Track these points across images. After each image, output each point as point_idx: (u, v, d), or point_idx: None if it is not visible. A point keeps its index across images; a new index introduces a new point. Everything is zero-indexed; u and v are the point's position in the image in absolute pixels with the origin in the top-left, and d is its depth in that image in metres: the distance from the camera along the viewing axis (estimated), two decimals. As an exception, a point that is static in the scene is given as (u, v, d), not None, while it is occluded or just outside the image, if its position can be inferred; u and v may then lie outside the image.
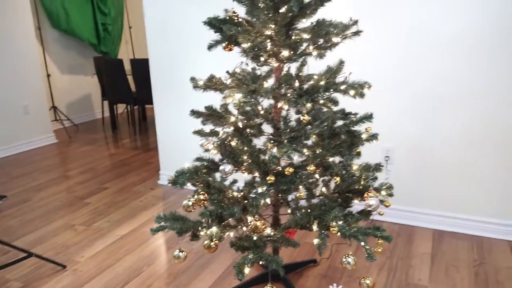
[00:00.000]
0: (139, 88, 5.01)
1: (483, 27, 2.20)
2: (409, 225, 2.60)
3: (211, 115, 1.88)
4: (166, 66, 3.21)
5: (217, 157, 1.84)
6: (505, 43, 2.18)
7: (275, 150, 1.51)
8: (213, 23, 1.69)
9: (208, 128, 1.91)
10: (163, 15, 3.08)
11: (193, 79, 1.81)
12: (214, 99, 2.79)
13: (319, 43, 1.56)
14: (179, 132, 3.28)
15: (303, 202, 1.94)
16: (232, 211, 1.56)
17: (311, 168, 1.52)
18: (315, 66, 1.96)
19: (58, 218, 2.87)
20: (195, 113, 1.91)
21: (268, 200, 1.52)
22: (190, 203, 1.73)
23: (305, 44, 1.56)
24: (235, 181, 2.00)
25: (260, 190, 1.55)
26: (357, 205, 1.78)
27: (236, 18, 1.70)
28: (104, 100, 5.64)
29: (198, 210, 1.73)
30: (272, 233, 1.67)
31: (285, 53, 1.52)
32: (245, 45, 1.53)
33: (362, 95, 1.73)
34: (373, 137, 1.75)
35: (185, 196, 3.18)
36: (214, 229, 1.56)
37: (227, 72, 1.70)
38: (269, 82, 1.74)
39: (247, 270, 1.51)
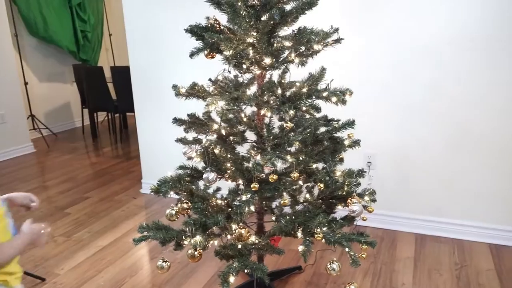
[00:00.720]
0: (120, 96, 4.96)
1: (463, 37, 2.27)
2: (392, 229, 2.63)
3: (194, 122, 1.88)
4: (147, 74, 3.20)
5: (200, 165, 1.84)
6: (486, 52, 2.25)
7: (258, 157, 1.51)
8: (195, 31, 1.70)
9: (191, 136, 1.91)
10: (144, 23, 3.07)
11: (175, 87, 1.81)
12: (196, 106, 2.78)
13: (301, 50, 1.58)
14: (161, 140, 3.26)
15: (287, 209, 1.95)
16: (216, 220, 1.55)
17: (295, 175, 1.53)
18: (297, 73, 1.99)
19: (37, 230, 2.81)
20: (177, 121, 1.91)
21: (252, 208, 1.53)
22: (174, 212, 1.72)
23: (287, 52, 1.58)
24: (218, 189, 1.99)
25: (244, 197, 1.55)
26: (340, 211, 1.80)
27: (218, 25, 1.72)
28: (84, 108, 5.57)
29: (181, 219, 1.72)
30: (256, 241, 1.68)
31: (267, 60, 1.54)
32: (227, 53, 1.54)
33: (344, 102, 1.76)
34: (356, 143, 1.78)
35: (168, 205, 3.13)
36: (198, 238, 1.55)
37: (210, 79, 1.71)
38: (252, 90, 1.75)
39: (232, 279, 1.50)
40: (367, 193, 1.87)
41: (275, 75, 1.78)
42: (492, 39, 2.21)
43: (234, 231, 1.54)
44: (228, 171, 1.67)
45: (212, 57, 1.78)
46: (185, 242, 1.77)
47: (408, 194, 2.58)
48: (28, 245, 1.31)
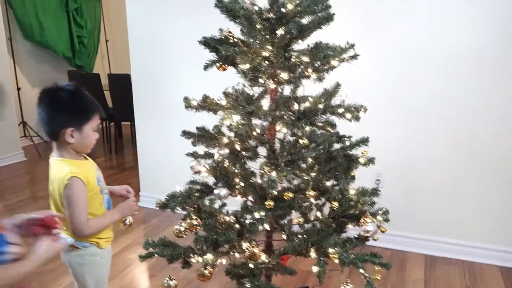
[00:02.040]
0: (116, 104, 4.96)
1: (470, 51, 2.31)
2: (401, 250, 2.63)
3: (203, 136, 1.89)
4: (149, 82, 3.21)
5: (210, 180, 1.84)
6: (492, 67, 2.29)
7: (274, 174, 1.52)
8: (209, 43, 1.71)
9: (200, 149, 1.92)
10: (147, 32, 3.09)
11: (186, 99, 1.82)
12: (200, 118, 2.80)
13: (316, 65, 1.60)
14: (161, 152, 3.25)
15: (295, 227, 1.95)
16: (228, 237, 1.55)
17: (311, 193, 1.54)
18: (308, 88, 2.01)
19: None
20: (186, 134, 1.91)
21: (266, 226, 1.53)
22: (182, 229, 1.71)
23: (302, 66, 1.60)
24: (224, 205, 1.99)
25: (257, 215, 1.55)
26: (351, 230, 1.80)
27: (232, 38, 1.73)
28: (78, 116, 5.55)
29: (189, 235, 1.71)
30: (267, 260, 1.67)
31: (284, 75, 1.55)
32: (244, 66, 1.56)
33: (358, 119, 1.78)
34: (370, 161, 1.79)
35: (168, 220, 3.13)
36: (209, 256, 1.54)
37: (224, 93, 1.71)
38: (265, 104, 1.76)
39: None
40: (380, 212, 1.87)
41: (286, 88, 1.79)
42: (499, 52, 2.26)
43: (246, 250, 1.54)
44: (237, 187, 1.67)
45: (224, 70, 1.79)
46: (193, 260, 1.76)
47: (417, 213, 2.59)
48: (121, 216, 1.63)
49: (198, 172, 1.87)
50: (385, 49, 2.47)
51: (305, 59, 1.54)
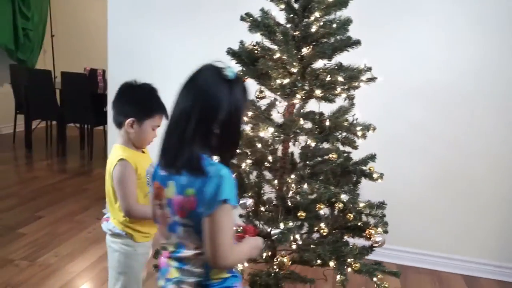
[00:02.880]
0: (67, 105, 4.68)
1: (446, 85, 2.59)
2: (375, 260, 2.81)
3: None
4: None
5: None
6: (465, 98, 2.59)
7: (305, 186, 1.59)
8: (239, 55, 1.75)
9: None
10: (127, 35, 3.02)
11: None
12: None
13: (346, 85, 1.71)
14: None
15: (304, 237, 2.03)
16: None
17: (340, 205, 1.63)
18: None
19: (-10, 252, 2.54)
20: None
21: (298, 236, 1.59)
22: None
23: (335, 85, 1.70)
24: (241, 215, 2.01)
25: (285, 225, 1.60)
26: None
27: (257, 50, 1.79)
28: (18, 113, 5.14)
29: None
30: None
31: (318, 92, 1.64)
32: (279, 81, 1.62)
33: (365, 137, 1.92)
34: (380, 176, 1.93)
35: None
36: (239, 265, 1.56)
37: (254, 102, 1.75)
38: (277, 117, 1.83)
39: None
40: (380, 224, 2.02)
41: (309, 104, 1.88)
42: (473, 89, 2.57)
43: (276, 260, 1.58)
44: (264, 197, 1.72)
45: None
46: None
47: (391, 228, 2.79)
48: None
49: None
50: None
51: (340, 78, 1.64)
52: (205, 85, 1.06)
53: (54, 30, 6.13)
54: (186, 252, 1.08)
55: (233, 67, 1.11)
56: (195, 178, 1.02)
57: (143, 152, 1.61)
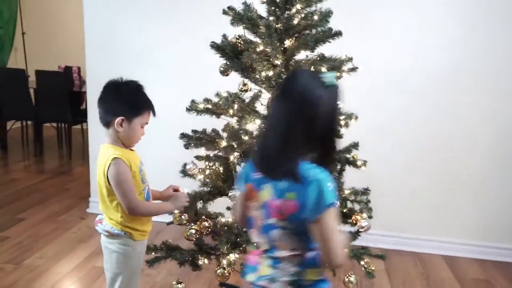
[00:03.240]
0: (43, 104, 4.58)
1: (426, 76, 2.67)
2: (358, 245, 2.89)
3: (201, 138, 1.92)
4: (105, 81, 3.06)
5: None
6: (442, 85, 2.67)
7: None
8: (222, 48, 1.76)
9: (197, 152, 1.95)
10: (104, 27, 2.98)
11: (193, 102, 1.84)
12: (154, 122, 2.78)
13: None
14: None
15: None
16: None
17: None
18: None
19: (-27, 257, 2.49)
20: (185, 136, 1.93)
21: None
22: (193, 231, 1.73)
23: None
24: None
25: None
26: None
27: (240, 44, 1.81)
28: (-8, 115, 5.00)
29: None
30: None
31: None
32: (264, 74, 1.64)
33: (347, 126, 1.97)
34: (364, 164, 1.98)
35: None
36: (232, 256, 1.59)
37: (238, 96, 1.77)
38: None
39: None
40: (365, 210, 2.08)
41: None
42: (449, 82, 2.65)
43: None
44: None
45: (227, 75, 1.86)
46: (200, 262, 1.79)
47: (374, 213, 2.88)
48: (175, 208, 1.62)
49: (192, 176, 1.90)
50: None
51: (323, 69, 1.68)
52: (304, 92, 1.05)
53: (25, 28, 5.96)
54: (281, 253, 1.10)
55: (333, 73, 1.13)
56: (295, 183, 1.03)
57: (131, 150, 1.59)
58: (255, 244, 1.19)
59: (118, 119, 1.46)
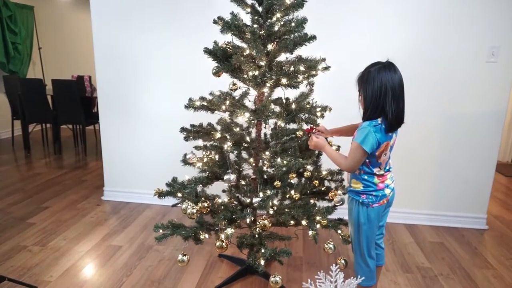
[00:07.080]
0: (60, 108, 4.48)
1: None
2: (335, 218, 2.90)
3: (198, 132, 1.90)
4: (113, 87, 3.00)
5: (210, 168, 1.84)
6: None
7: (279, 160, 1.61)
8: (214, 53, 1.73)
9: (195, 143, 1.92)
10: (111, 41, 2.90)
11: (190, 100, 1.81)
12: (156, 120, 2.71)
13: (307, 74, 1.73)
14: (125, 149, 3.08)
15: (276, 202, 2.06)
16: (243, 214, 1.60)
17: (307, 174, 1.66)
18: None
19: (4, 241, 2.42)
20: (184, 130, 1.90)
21: (276, 201, 1.61)
22: (194, 211, 1.71)
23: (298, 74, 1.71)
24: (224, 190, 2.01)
25: (264, 194, 1.62)
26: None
27: (229, 49, 1.78)
28: (15, 119, 4.87)
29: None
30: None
31: (284, 80, 1.65)
32: (251, 73, 1.62)
33: (323, 116, 1.96)
34: (338, 148, 1.98)
35: (135, 209, 2.98)
36: (229, 230, 1.57)
37: (229, 94, 1.74)
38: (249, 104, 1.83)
39: (262, 262, 1.56)
40: (340, 187, 2.08)
41: (275, 92, 1.89)
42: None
43: (259, 223, 1.60)
44: (244, 172, 1.72)
45: (219, 76, 1.83)
46: (201, 237, 1.77)
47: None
48: None
49: (192, 164, 1.87)
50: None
51: (302, 68, 1.66)
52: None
53: (40, 43, 5.81)
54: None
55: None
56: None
57: None
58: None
59: None
